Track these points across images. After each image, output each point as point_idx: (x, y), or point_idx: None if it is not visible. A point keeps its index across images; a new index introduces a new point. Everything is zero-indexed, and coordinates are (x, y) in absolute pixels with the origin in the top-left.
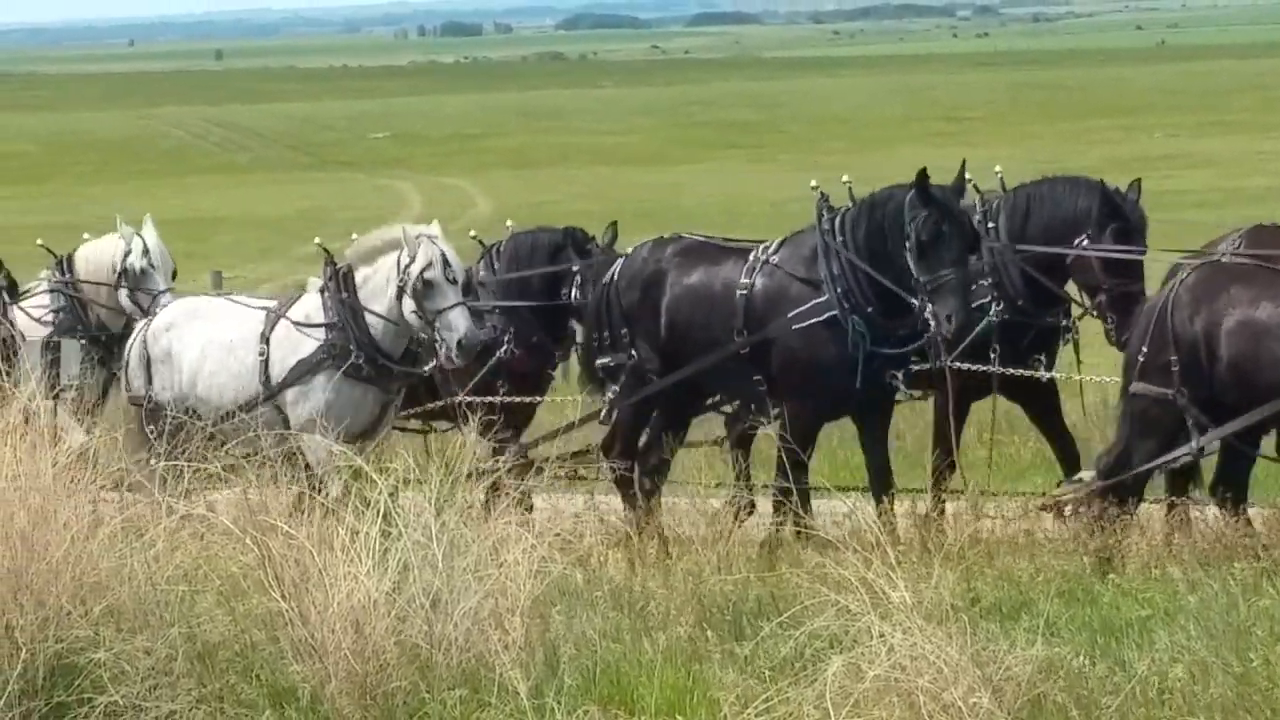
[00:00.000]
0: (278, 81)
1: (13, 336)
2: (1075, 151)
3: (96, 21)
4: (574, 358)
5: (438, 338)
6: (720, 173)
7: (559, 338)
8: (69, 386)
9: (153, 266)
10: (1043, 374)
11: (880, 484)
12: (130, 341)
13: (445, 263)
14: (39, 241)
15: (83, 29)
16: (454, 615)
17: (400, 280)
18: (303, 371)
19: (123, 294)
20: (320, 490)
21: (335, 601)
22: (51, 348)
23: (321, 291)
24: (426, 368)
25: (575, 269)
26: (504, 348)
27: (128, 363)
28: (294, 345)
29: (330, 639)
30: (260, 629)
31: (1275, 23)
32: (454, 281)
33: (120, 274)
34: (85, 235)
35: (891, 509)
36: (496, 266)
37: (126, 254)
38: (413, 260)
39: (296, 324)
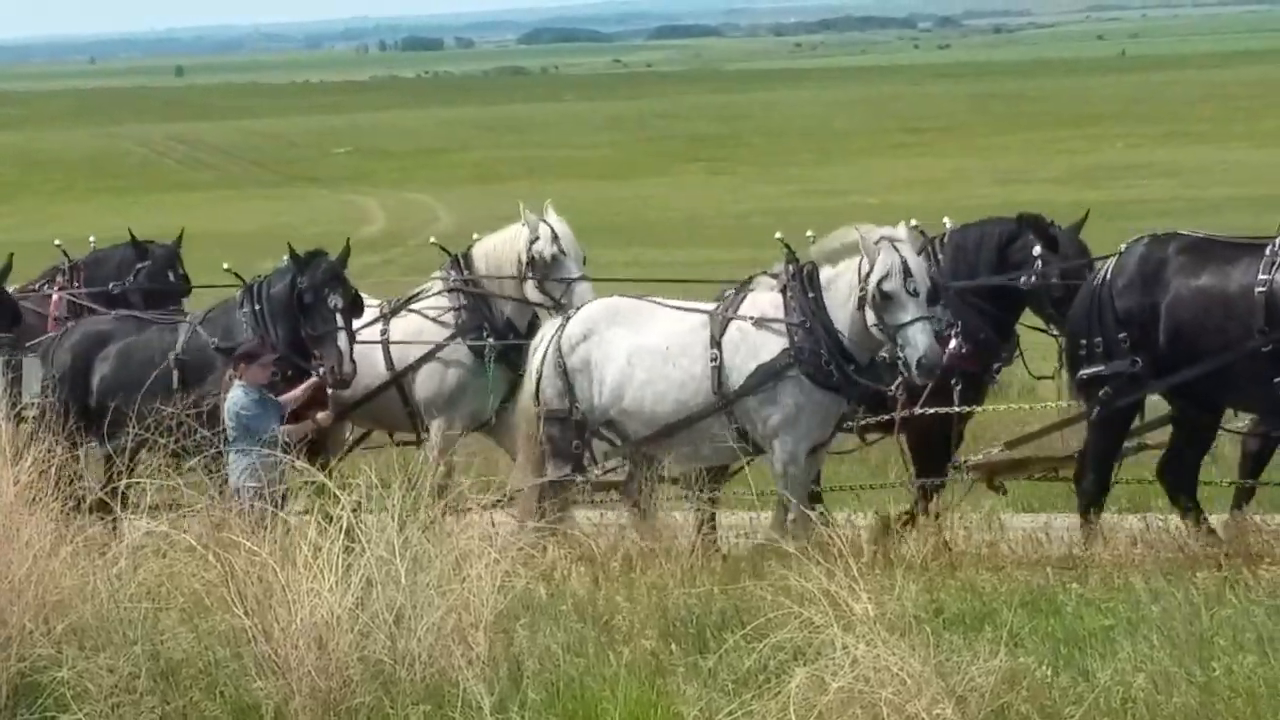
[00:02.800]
0: (240, 98)
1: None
2: (1038, 162)
3: (57, 38)
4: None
5: (899, 355)
6: (683, 186)
7: (1007, 336)
8: (30, 405)
9: (563, 253)
10: None
11: None
12: (540, 349)
13: (906, 271)
14: (432, 240)
15: (43, 46)
16: (417, 630)
17: (860, 290)
18: (765, 377)
19: (530, 285)
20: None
21: (298, 618)
22: (13, 366)
23: (783, 291)
24: (893, 385)
25: (1036, 254)
26: (952, 344)
27: (540, 372)
28: (753, 349)
29: (294, 655)
30: (224, 646)
31: (1235, 33)
32: (914, 294)
33: (527, 264)
34: (475, 235)
35: None
36: (940, 260)
37: (533, 242)
38: (872, 268)
39: (758, 321)
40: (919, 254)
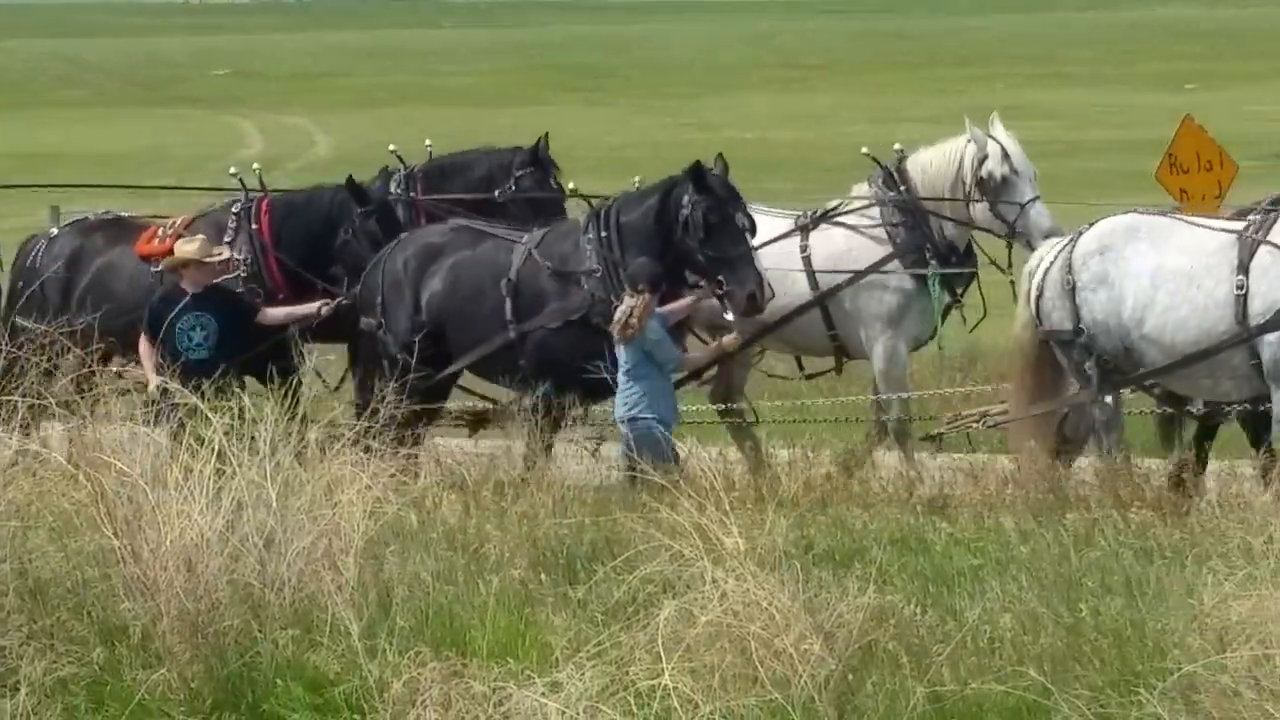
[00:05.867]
0: (119, 15)
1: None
2: (917, 101)
3: None
4: None
5: None
6: (561, 116)
7: None
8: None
9: (1015, 173)
10: None
11: None
12: (1042, 267)
13: None
14: (864, 150)
15: None
16: (287, 555)
17: None
18: None
19: (978, 207)
20: None
21: (168, 539)
22: None
23: None
24: None
25: None
26: None
27: (1040, 291)
28: None
29: (162, 577)
30: (92, 566)
31: None
32: None
33: (974, 185)
34: (895, 145)
35: None
36: None
37: (981, 160)
38: None
39: None
40: None
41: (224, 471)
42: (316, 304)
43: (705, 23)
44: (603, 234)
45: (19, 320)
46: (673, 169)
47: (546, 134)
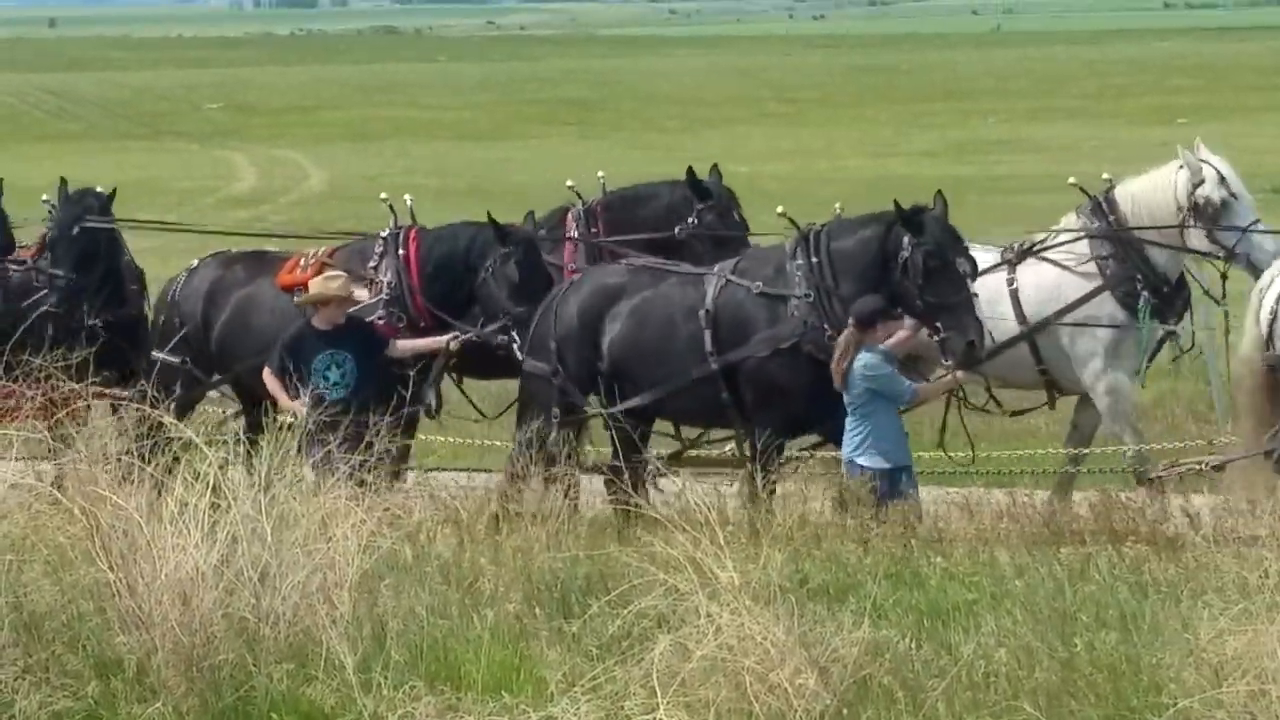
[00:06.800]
0: (112, 50)
1: None
2: (909, 135)
3: None
4: None
5: None
6: (553, 150)
7: None
8: None
9: (1234, 197)
10: None
11: None
12: (1275, 286)
13: None
14: (1072, 180)
15: None
16: (282, 589)
17: None
18: None
19: (1194, 234)
20: None
21: (163, 573)
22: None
23: None
24: None
25: None
26: None
27: (1274, 315)
28: None
29: (157, 611)
30: (87, 600)
31: (1109, 10)
32: None
33: (1189, 210)
34: (1104, 175)
35: None
36: None
37: (1197, 185)
38: None
39: None
40: None
41: (219, 505)
42: (445, 337)
43: (698, 57)
44: (813, 259)
45: (157, 354)
46: None
47: (715, 165)
